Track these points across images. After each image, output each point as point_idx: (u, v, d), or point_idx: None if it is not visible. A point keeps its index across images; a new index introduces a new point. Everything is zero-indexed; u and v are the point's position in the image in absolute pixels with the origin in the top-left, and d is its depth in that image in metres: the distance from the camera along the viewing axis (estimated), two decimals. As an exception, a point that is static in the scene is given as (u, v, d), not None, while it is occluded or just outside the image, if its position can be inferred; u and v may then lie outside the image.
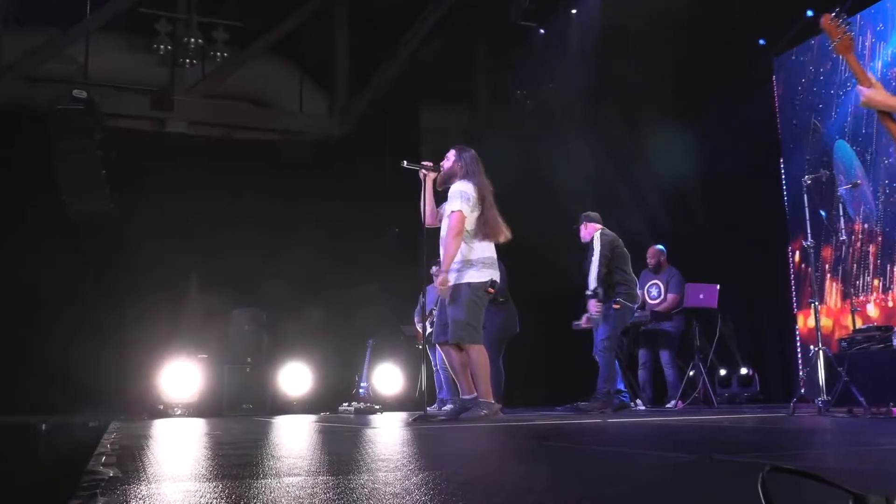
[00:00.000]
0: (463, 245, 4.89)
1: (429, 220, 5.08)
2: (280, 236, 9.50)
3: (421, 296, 5.30)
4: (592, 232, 6.84)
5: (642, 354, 7.83)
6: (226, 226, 9.32)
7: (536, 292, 8.59)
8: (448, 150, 5.23)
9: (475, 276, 4.87)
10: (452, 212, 4.84)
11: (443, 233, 5.00)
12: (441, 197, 5.16)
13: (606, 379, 6.48)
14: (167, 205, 9.15)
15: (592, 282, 6.60)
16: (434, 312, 5.24)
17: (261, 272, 9.18)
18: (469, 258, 4.88)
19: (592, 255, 6.62)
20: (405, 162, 5.05)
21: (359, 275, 9.65)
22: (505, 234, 5.05)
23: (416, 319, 7.83)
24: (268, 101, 10.48)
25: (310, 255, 9.46)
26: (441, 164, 5.15)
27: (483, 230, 4.94)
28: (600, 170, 9.33)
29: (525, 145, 9.72)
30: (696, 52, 8.86)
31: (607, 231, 6.81)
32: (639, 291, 7.90)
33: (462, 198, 4.88)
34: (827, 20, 3.38)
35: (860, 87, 3.30)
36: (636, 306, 6.79)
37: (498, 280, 4.99)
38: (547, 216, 9.46)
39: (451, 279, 4.90)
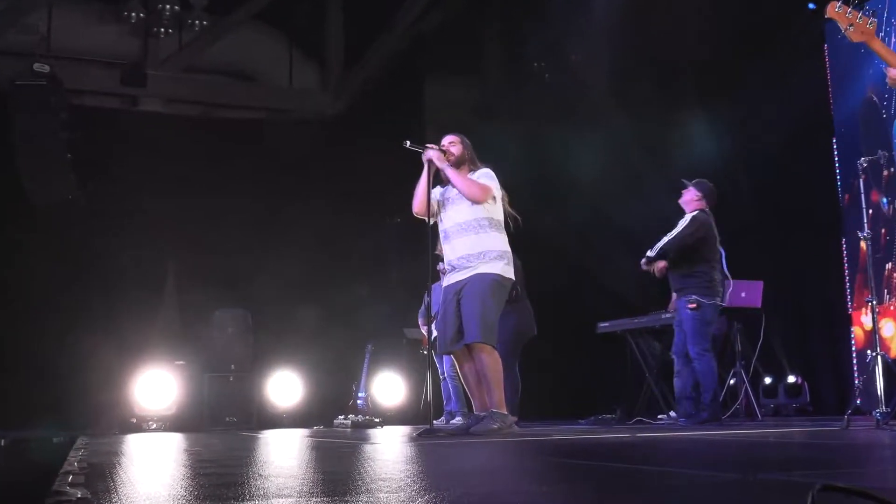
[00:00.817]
0: (490, 233, 4.95)
1: (421, 207, 5.10)
2: (268, 228, 9.54)
3: (426, 295, 5.31)
4: (693, 205, 6.68)
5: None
6: (206, 216, 9.37)
7: (554, 289, 8.60)
8: (450, 133, 5.27)
9: (506, 270, 4.94)
10: (485, 183, 4.97)
11: (450, 222, 5.02)
12: (437, 184, 5.21)
13: (707, 387, 6.43)
14: (140, 193, 9.19)
15: (653, 250, 6.52)
16: (444, 310, 5.22)
17: (246, 268, 9.23)
18: (497, 247, 4.95)
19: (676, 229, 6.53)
20: (408, 142, 5.05)
21: (356, 271, 9.68)
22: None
23: (420, 321, 7.84)
24: (253, 75, 10.51)
25: (301, 250, 9.50)
26: (444, 147, 5.16)
27: (507, 222, 5.09)
28: (629, 151, 9.31)
29: (544, 123, 9.71)
30: (739, 18, 8.82)
31: (707, 212, 6.69)
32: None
33: (493, 181, 5.01)
34: (833, 8, 3.40)
35: (888, 69, 3.34)
36: (718, 301, 6.63)
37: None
38: (567, 203, 9.46)
39: (471, 270, 4.92)
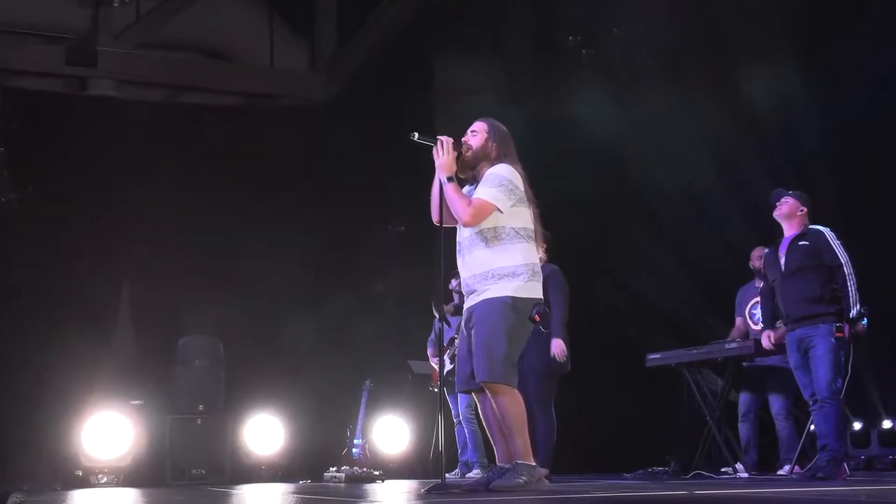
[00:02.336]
0: (503, 245, 4.88)
1: (437, 216, 5.07)
2: (245, 238, 9.56)
3: (436, 319, 5.29)
4: (800, 218, 6.73)
5: (744, 401, 7.79)
6: (170, 224, 9.39)
7: (594, 313, 8.59)
8: (474, 121, 5.21)
9: (522, 289, 4.85)
10: (481, 199, 4.86)
11: (466, 233, 5.00)
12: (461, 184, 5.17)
13: (840, 435, 6.45)
14: (89, 195, 9.24)
15: (854, 299, 6.55)
16: (456, 342, 5.22)
17: (217, 287, 9.25)
18: (511, 262, 4.87)
19: (829, 256, 6.54)
20: (416, 134, 5.02)
21: (352, 290, 9.69)
22: (542, 242, 5.06)
23: (429, 351, 7.83)
24: (227, 52, 10.56)
25: (285, 264, 9.52)
26: (464, 139, 5.14)
27: (530, 229, 4.95)
28: (683, 141, 9.29)
29: (580, 111, 9.72)
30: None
31: None
32: (742, 313, 7.88)
33: (501, 185, 4.86)
34: None
35: None
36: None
37: (541, 297, 4.96)
38: (611, 206, 9.44)
39: (479, 294, 4.89)
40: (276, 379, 9.15)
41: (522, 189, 4.91)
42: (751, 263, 7.92)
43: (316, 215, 9.74)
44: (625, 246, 9.44)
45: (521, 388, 4.98)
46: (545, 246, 7.09)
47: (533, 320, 4.82)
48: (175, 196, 9.41)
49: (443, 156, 4.97)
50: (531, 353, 7.16)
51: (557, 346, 6.94)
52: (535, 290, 4.86)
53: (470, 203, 4.81)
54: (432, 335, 7.70)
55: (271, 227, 9.59)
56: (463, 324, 4.99)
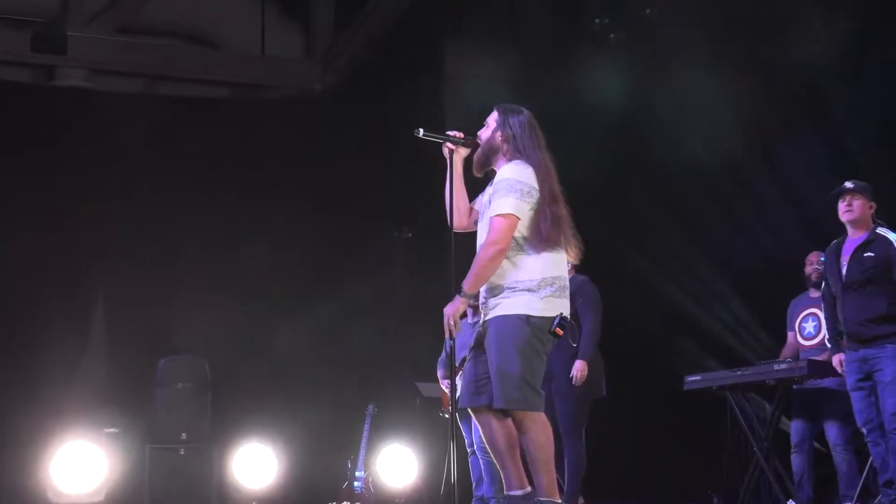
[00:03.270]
0: (518, 256, 4.87)
1: (458, 221, 5.06)
2: (231, 244, 9.56)
3: (448, 337, 5.27)
4: (867, 216, 6.61)
5: (796, 430, 7.74)
6: (149, 228, 9.40)
7: (626, 331, 8.56)
8: (489, 113, 5.21)
9: (537, 305, 4.82)
10: (499, 214, 4.82)
11: (480, 240, 4.99)
12: (479, 185, 5.16)
13: None
14: (59, 196, 9.26)
15: None
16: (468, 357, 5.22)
17: (202, 299, 9.24)
18: (527, 276, 4.85)
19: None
20: (421, 131, 5.03)
21: (353, 303, 9.67)
22: (575, 248, 5.00)
23: (440, 373, 7.82)
24: (212, 38, 10.55)
25: (278, 274, 9.51)
26: (478, 133, 5.15)
27: (551, 235, 4.90)
28: (722, 130, 9.25)
29: (608, 103, 9.70)
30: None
31: None
32: (793, 326, 7.84)
33: (515, 190, 4.81)
34: None
35: None
36: None
37: (568, 314, 4.94)
38: (638, 205, 9.40)
39: (491, 309, 4.87)
40: (268, 403, 9.15)
41: (539, 188, 4.89)
42: (805, 270, 7.86)
43: (313, 220, 9.73)
44: (657, 249, 9.39)
45: (548, 413, 4.99)
46: (578, 252, 7.12)
47: (555, 334, 4.81)
48: (154, 198, 9.43)
49: (464, 149, 5.03)
50: (559, 374, 7.20)
51: (579, 368, 6.98)
52: (557, 306, 4.82)
53: (489, 237, 4.80)
54: (443, 354, 7.68)
55: (263, 233, 9.57)
56: (474, 341, 5.00)
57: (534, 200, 4.81)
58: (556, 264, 4.90)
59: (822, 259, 7.48)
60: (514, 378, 4.73)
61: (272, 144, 9.85)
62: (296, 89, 10.64)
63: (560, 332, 4.80)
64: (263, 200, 9.72)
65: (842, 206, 6.66)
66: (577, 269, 6.81)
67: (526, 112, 5.06)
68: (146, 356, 8.88)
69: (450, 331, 4.90)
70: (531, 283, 4.79)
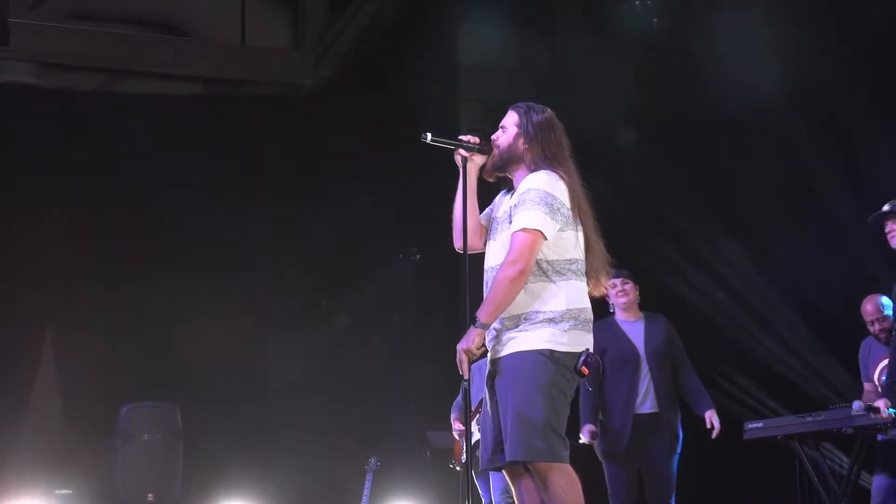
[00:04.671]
0: (539, 282, 4.87)
1: (471, 240, 5.08)
2: (207, 267, 9.58)
3: (463, 379, 5.28)
4: None
5: (879, 487, 7.71)
6: (106, 248, 9.40)
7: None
8: (507, 113, 5.23)
9: (561, 339, 4.83)
10: (523, 229, 4.83)
11: (490, 261, 5.02)
12: (492, 195, 5.19)
13: None
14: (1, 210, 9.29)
15: None
16: (484, 404, 5.23)
17: (172, 334, 9.27)
18: (549, 307, 4.86)
19: None
20: (429, 135, 5.04)
21: (350, 337, 9.69)
22: (605, 275, 5.00)
23: (452, 417, 7.84)
24: (184, 26, 10.56)
25: (263, 303, 9.54)
26: (494, 137, 5.17)
27: (588, 260, 4.94)
28: (790, 132, 9.25)
29: (653, 103, 9.70)
30: None
31: None
32: (870, 376, 7.83)
33: (544, 204, 4.82)
34: None
35: None
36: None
37: (592, 348, 4.94)
38: (685, 218, 9.40)
39: (505, 344, 4.89)
40: (250, 457, 9.17)
41: (569, 205, 4.93)
42: (865, 316, 7.86)
43: (304, 238, 9.76)
44: (710, 274, 9.40)
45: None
46: (626, 283, 7.23)
47: (580, 373, 4.82)
48: (114, 213, 9.48)
49: (478, 156, 5.05)
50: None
51: (715, 415, 7.27)
52: (581, 341, 4.82)
53: (509, 256, 4.78)
54: (458, 399, 7.70)
55: (244, 254, 9.63)
56: (488, 380, 5.00)
57: (564, 218, 4.84)
58: (582, 294, 4.91)
59: (883, 305, 7.56)
60: (538, 425, 4.71)
61: (255, 151, 9.93)
62: (282, 85, 10.66)
63: (586, 370, 4.80)
64: (245, 216, 9.79)
65: (889, 232, 6.73)
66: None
67: (549, 111, 5.08)
68: (105, 402, 8.88)
69: (464, 369, 4.85)
70: (553, 313, 4.80)
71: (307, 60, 10.71)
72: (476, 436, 6.96)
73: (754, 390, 8.90)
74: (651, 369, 7.30)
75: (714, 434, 7.25)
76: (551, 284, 4.83)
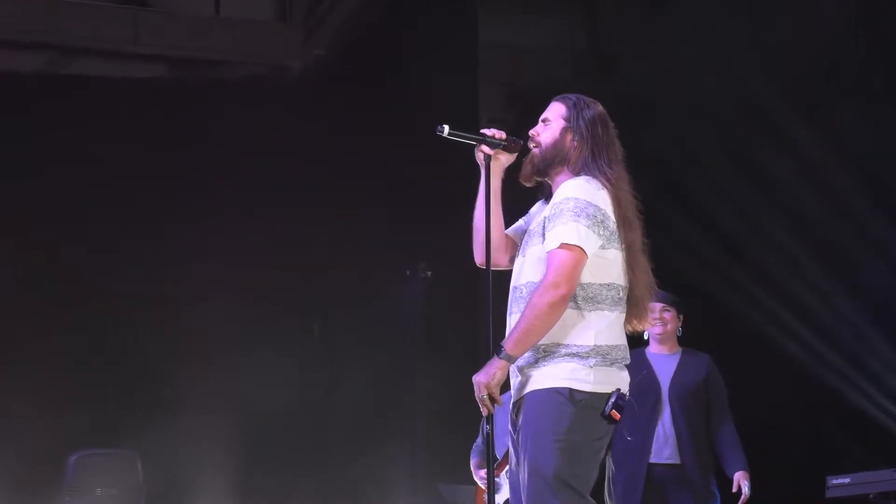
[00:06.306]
0: (580, 308, 4.87)
1: (494, 255, 5.09)
2: (174, 281, 9.65)
3: (484, 421, 5.32)
4: None
5: None
6: (53, 259, 9.42)
7: (744, 409, 8.59)
8: (542, 101, 5.24)
9: (585, 376, 4.83)
10: (563, 245, 4.83)
11: (518, 280, 5.04)
12: (525, 202, 5.22)
13: None
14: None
15: None
16: (510, 452, 5.26)
17: (135, 364, 9.31)
18: (575, 340, 4.86)
19: None
20: (446, 128, 5.06)
21: (346, 368, 9.72)
22: (645, 310, 4.96)
23: (473, 463, 7.87)
24: (147, -2, 10.64)
25: (235, 327, 9.57)
26: (532, 133, 5.20)
27: (629, 285, 4.93)
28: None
29: (708, 89, 9.73)
30: None
31: None
32: None
33: (586, 216, 4.81)
34: None
35: None
36: None
37: (626, 389, 4.92)
38: (749, 226, 9.41)
39: (525, 382, 4.91)
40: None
41: (614, 217, 4.91)
42: None
43: (288, 252, 9.80)
44: (789, 302, 9.42)
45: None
46: (667, 311, 7.24)
47: (610, 418, 4.83)
48: (62, 214, 9.53)
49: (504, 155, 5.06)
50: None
51: (745, 477, 7.20)
52: (611, 379, 4.81)
53: (548, 278, 4.75)
54: (479, 439, 7.71)
55: (220, 266, 9.64)
56: (510, 425, 5.03)
57: (608, 233, 4.84)
58: (616, 328, 4.90)
59: None
60: (548, 476, 4.72)
61: (232, 144, 9.95)
62: (265, 66, 10.71)
63: (617, 415, 4.78)
64: (219, 222, 9.80)
65: None
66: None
67: (599, 106, 5.08)
68: (51, 450, 8.92)
69: (486, 408, 4.82)
70: (579, 348, 4.81)
71: (295, 36, 10.75)
72: (503, 486, 7.01)
73: (840, 438, 8.90)
74: (674, 411, 7.28)
75: (741, 501, 7.21)
76: (579, 313, 4.82)
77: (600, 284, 4.85)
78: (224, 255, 9.71)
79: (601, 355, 4.80)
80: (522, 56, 10.18)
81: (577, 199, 4.82)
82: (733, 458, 7.30)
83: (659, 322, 7.23)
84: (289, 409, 9.52)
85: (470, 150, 5.03)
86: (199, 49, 10.72)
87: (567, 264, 4.75)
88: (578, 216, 4.77)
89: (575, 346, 4.79)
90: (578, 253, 4.75)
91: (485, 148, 5.05)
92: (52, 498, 8.77)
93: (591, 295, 4.83)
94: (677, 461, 7.25)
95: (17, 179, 9.52)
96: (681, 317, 7.33)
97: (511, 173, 5.07)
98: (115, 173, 9.74)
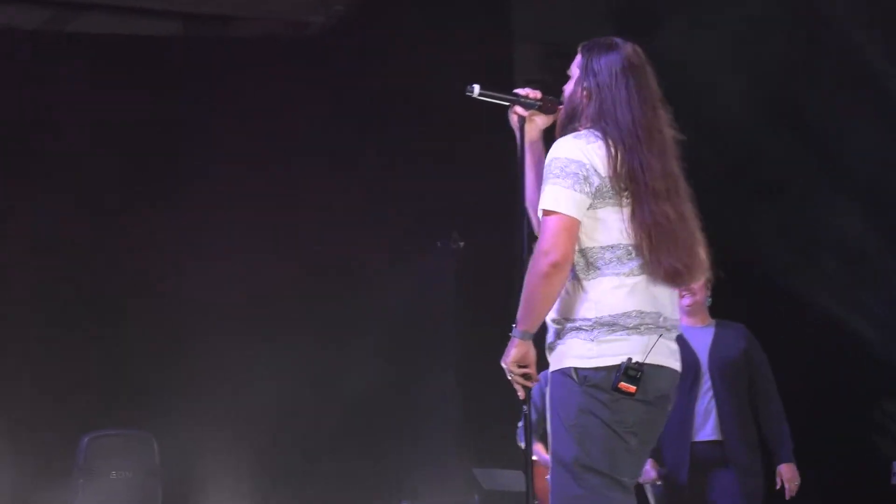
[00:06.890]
0: (585, 275, 4.83)
1: (535, 222, 5.06)
2: (187, 260, 9.67)
3: (525, 406, 5.31)
4: None
5: None
6: (59, 241, 9.45)
7: (792, 388, 8.60)
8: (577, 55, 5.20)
9: (583, 352, 4.73)
10: (545, 212, 4.75)
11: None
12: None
13: None
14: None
15: None
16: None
17: (146, 348, 9.36)
18: (576, 314, 4.81)
19: None
20: (477, 88, 5.05)
21: (374, 347, 9.74)
22: (698, 266, 4.84)
23: (520, 443, 7.88)
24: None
25: (257, 306, 9.60)
26: (564, 88, 5.18)
27: (632, 243, 4.85)
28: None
29: (773, 42, 9.71)
30: None
31: None
32: None
33: (566, 175, 4.74)
34: None
35: None
36: None
37: (643, 361, 4.82)
38: (811, 193, 9.40)
39: (551, 359, 4.90)
40: (246, 500, 9.26)
41: (607, 171, 4.78)
42: None
43: (310, 221, 9.85)
44: (857, 276, 9.40)
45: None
46: (699, 280, 7.17)
47: (624, 392, 4.68)
48: (66, 191, 9.54)
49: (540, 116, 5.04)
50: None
51: (789, 473, 7.19)
52: (614, 349, 4.70)
53: (538, 245, 4.73)
54: (520, 425, 7.69)
55: (236, 243, 9.67)
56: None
57: (592, 189, 4.74)
58: (619, 294, 4.77)
59: None
60: (568, 464, 4.72)
61: (249, 106, 9.96)
62: (283, 24, 10.71)
63: (628, 387, 4.67)
64: (236, 194, 9.84)
65: None
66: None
67: (623, 48, 4.91)
68: (63, 432, 8.98)
69: (521, 388, 4.82)
70: (583, 321, 4.78)
71: (314, -6, 10.77)
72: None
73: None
74: (715, 385, 7.24)
75: (788, 496, 7.22)
76: (579, 284, 4.78)
77: (601, 247, 4.77)
78: (243, 224, 9.76)
79: (605, 325, 4.72)
80: (560, 11, 10.15)
81: (556, 157, 4.77)
82: (779, 443, 7.27)
83: (687, 293, 7.12)
84: (314, 389, 9.52)
85: (504, 111, 5.03)
86: (211, 5, 10.67)
87: (552, 230, 4.71)
88: (557, 177, 4.72)
89: (579, 320, 4.74)
90: (561, 217, 4.70)
91: (519, 109, 5.06)
92: (64, 482, 8.79)
93: (591, 261, 4.77)
94: (718, 437, 7.22)
95: (17, 143, 9.54)
96: (709, 287, 7.23)
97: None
98: (122, 138, 9.79)
